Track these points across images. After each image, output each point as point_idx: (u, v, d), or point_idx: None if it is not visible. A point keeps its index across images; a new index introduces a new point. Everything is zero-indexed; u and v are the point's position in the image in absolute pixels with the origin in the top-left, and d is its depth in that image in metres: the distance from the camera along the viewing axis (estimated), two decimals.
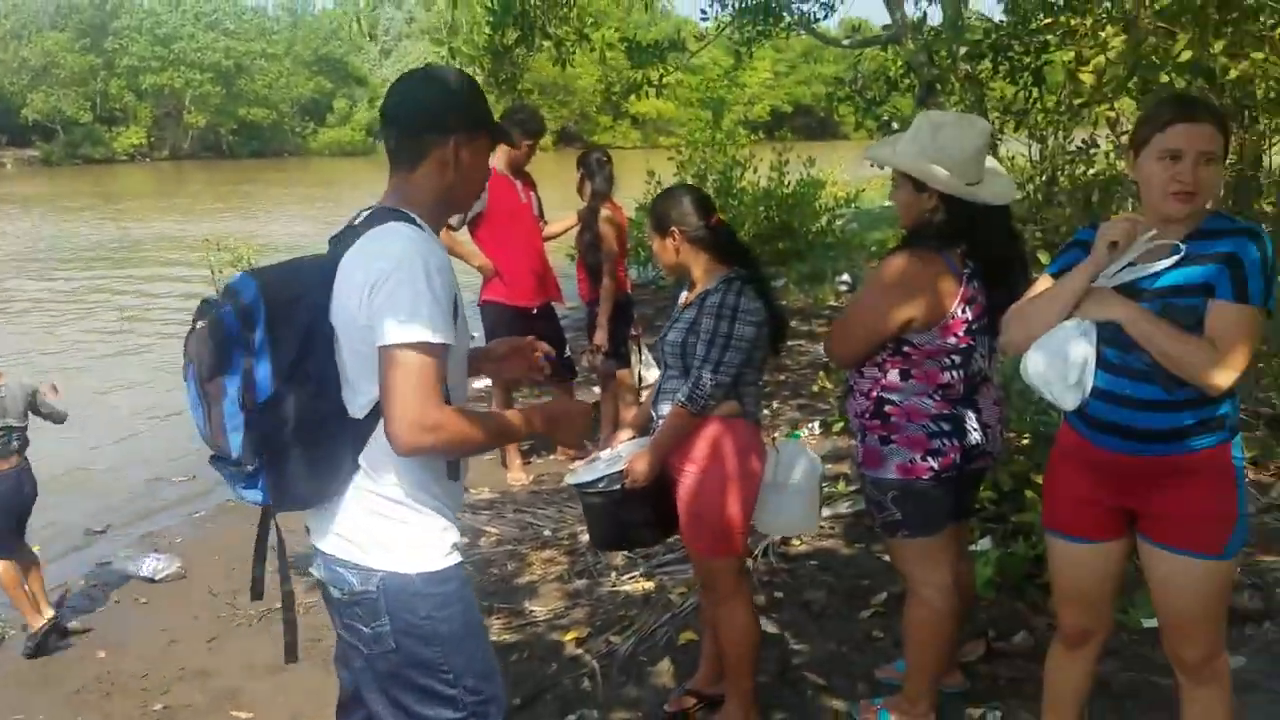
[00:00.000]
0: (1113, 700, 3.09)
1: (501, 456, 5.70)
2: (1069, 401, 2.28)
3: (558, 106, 44.50)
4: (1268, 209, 5.46)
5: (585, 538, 4.62)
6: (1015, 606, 3.68)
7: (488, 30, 7.49)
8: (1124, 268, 2.21)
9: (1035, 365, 2.29)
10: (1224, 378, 2.09)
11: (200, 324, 1.93)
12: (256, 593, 2.14)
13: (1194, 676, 2.36)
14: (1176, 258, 2.16)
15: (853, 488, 4.95)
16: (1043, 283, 2.37)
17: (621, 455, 3.00)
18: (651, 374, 5.74)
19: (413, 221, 1.93)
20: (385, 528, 1.96)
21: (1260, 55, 4.16)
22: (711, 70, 16.21)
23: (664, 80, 7.47)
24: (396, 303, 1.82)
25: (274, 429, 1.86)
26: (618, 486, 2.91)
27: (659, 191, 3.38)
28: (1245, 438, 4.91)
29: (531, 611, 4.02)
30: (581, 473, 3.08)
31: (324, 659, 3.57)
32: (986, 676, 3.28)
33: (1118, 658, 3.29)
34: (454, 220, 5.35)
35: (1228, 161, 6.99)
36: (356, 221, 1.98)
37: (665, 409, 2.89)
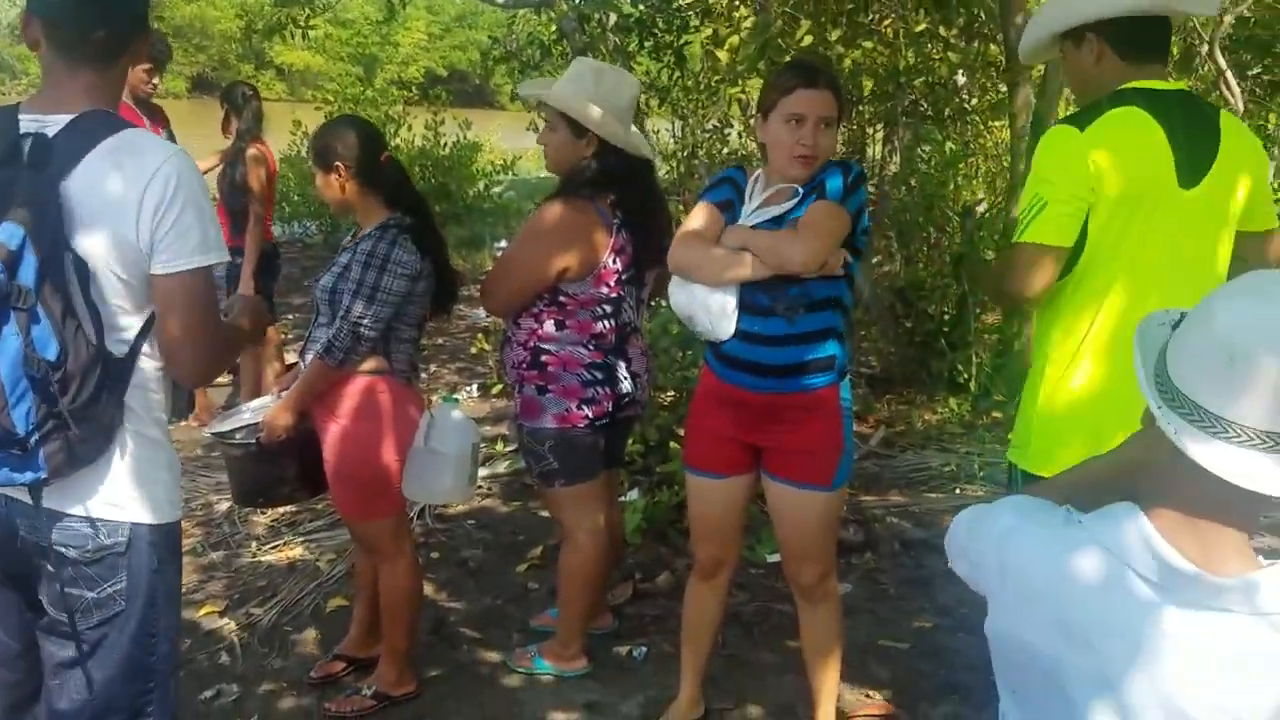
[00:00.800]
0: (743, 628, 3.38)
1: None
2: (724, 328, 2.39)
3: (194, 51, 40.72)
4: (870, 191, 6.16)
5: (221, 507, 4.31)
6: (659, 550, 3.91)
7: None
8: (755, 209, 2.41)
9: (686, 298, 2.43)
10: (800, 247, 2.29)
11: None
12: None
13: (809, 597, 2.63)
14: (795, 200, 2.39)
15: (511, 448, 5.00)
16: (700, 210, 2.50)
17: (263, 406, 2.83)
18: None
19: (134, 126, 1.74)
20: (146, 472, 1.79)
21: (869, 45, 4.67)
22: (362, 25, 15.52)
23: (310, 23, 7.06)
24: (185, 225, 1.68)
25: (63, 388, 1.61)
26: (255, 440, 2.74)
27: (324, 122, 3.13)
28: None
29: None
30: (222, 422, 2.88)
31: None
32: (633, 617, 3.46)
33: (746, 590, 3.60)
34: None
35: (840, 149, 7.77)
36: (45, 131, 1.65)
37: (309, 358, 2.75)
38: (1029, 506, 1.28)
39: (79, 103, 1.70)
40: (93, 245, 1.66)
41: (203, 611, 3.51)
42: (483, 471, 4.64)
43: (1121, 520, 1.15)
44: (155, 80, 4.86)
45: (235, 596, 3.62)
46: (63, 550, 1.73)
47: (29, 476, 1.64)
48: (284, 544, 4.02)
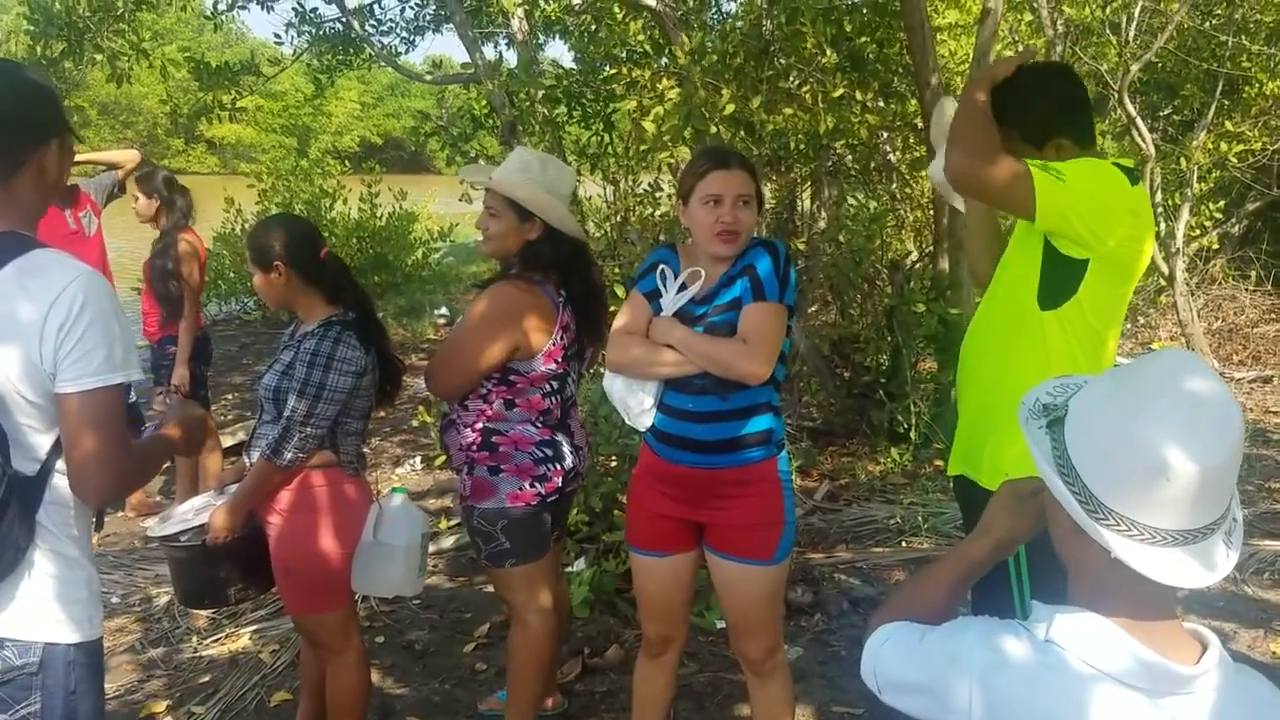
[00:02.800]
0: (695, 700, 3.36)
1: None
2: (643, 422, 2.49)
3: (121, 128, 40.42)
4: (800, 246, 6.28)
5: (160, 601, 4.20)
6: (608, 622, 3.88)
7: (29, 40, 6.64)
8: (676, 294, 2.48)
9: (616, 389, 2.52)
10: (755, 363, 2.37)
11: None
12: None
13: (758, 671, 2.63)
14: (700, 282, 2.46)
15: (454, 522, 4.96)
16: (634, 300, 2.56)
17: (208, 506, 2.77)
18: None
19: (40, 245, 1.72)
20: (60, 591, 1.73)
21: (789, 111, 4.79)
22: (293, 97, 15.55)
23: (237, 104, 7.06)
24: (90, 344, 1.66)
25: None
26: (200, 541, 2.69)
27: (259, 220, 3.13)
28: (793, 449, 5.59)
29: None
30: (165, 524, 2.81)
31: None
32: (583, 694, 3.42)
33: (696, 660, 3.59)
34: None
35: (770, 206, 7.92)
36: None
37: (255, 456, 2.72)
38: (991, 631, 1.23)
39: None
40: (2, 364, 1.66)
41: (144, 713, 3.40)
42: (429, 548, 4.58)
43: (1100, 634, 1.17)
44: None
45: (177, 695, 3.52)
46: None
47: None
48: (226, 636, 3.93)
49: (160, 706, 3.45)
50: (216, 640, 3.90)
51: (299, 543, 2.70)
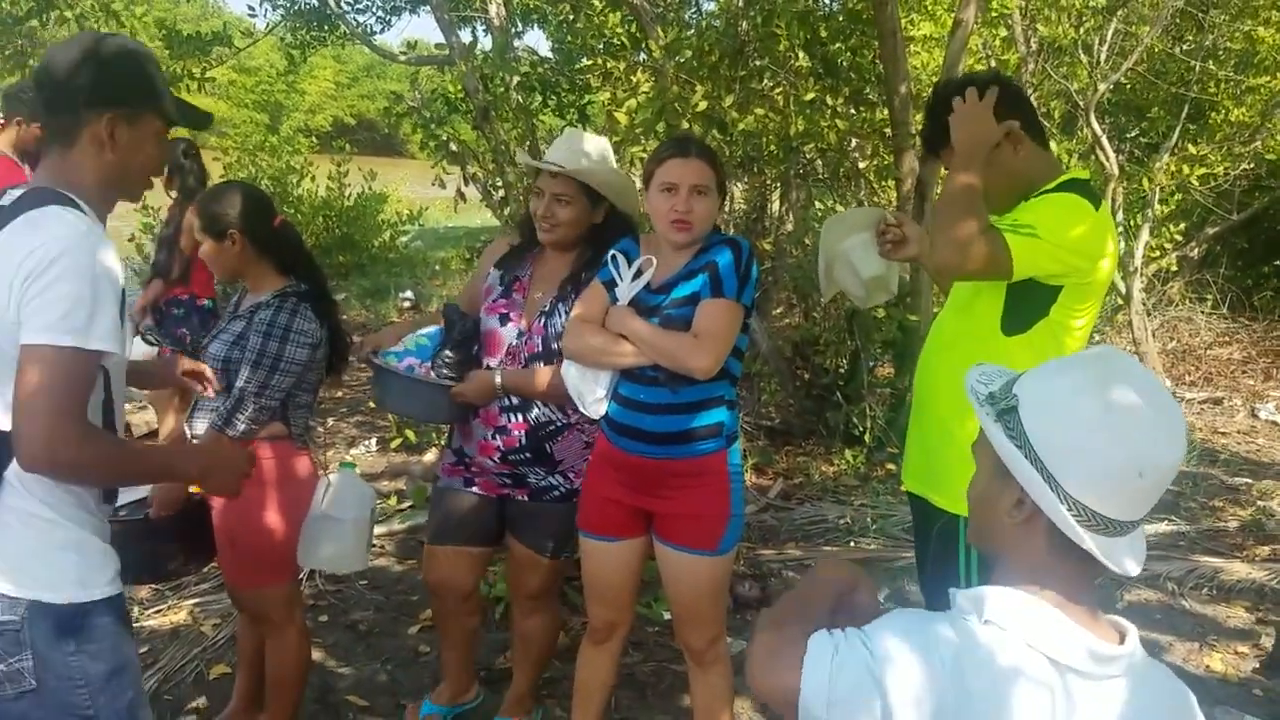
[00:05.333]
0: (636, 689, 3.38)
1: None
2: (596, 410, 2.50)
3: None
4: (767, 247, 6.31)
5: None
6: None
7: None
8: (631, 282, 2.49)
9: (570, 376, 2.52)
10: (702, 359, 2.37)
11: None
12: None
13: (700, 660, 2.65)
14: (653, 269, 2.47)
15: (406, 504, 4.94)
16: (593, 289, 2.57)
17: None
18: None
19: (77, 206, 1.69)
20: (38, 550, 1.71)
21: (762, 111, 4.81)
22: (267, 73, 15.39)
23: (207, 75, 6.96)
24: (51, 297, 1.59)
25: None
26: (143, 515, 2.64)
27: (211, 188, 3.07)
28: (749, 447, 5.62)
29: None
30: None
31: None
32: None
33: (641, 649, 3.61)
34: None
35: (740, 207, 7.93)
36: (3, 202, 1.69)
37: (201, 427, 2.68)
38: (917, 624, 1.21)
39: (39, 179, 1.75)
40: None
41: None
42: (378, 530, 4.56)
43: (1040, 615, 1.18)
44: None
45: None
46: None
47: None
48: (168, 608, 3.89)
49: None
50: (158, 611, 3.86)
51: (245, 515, 2.67)
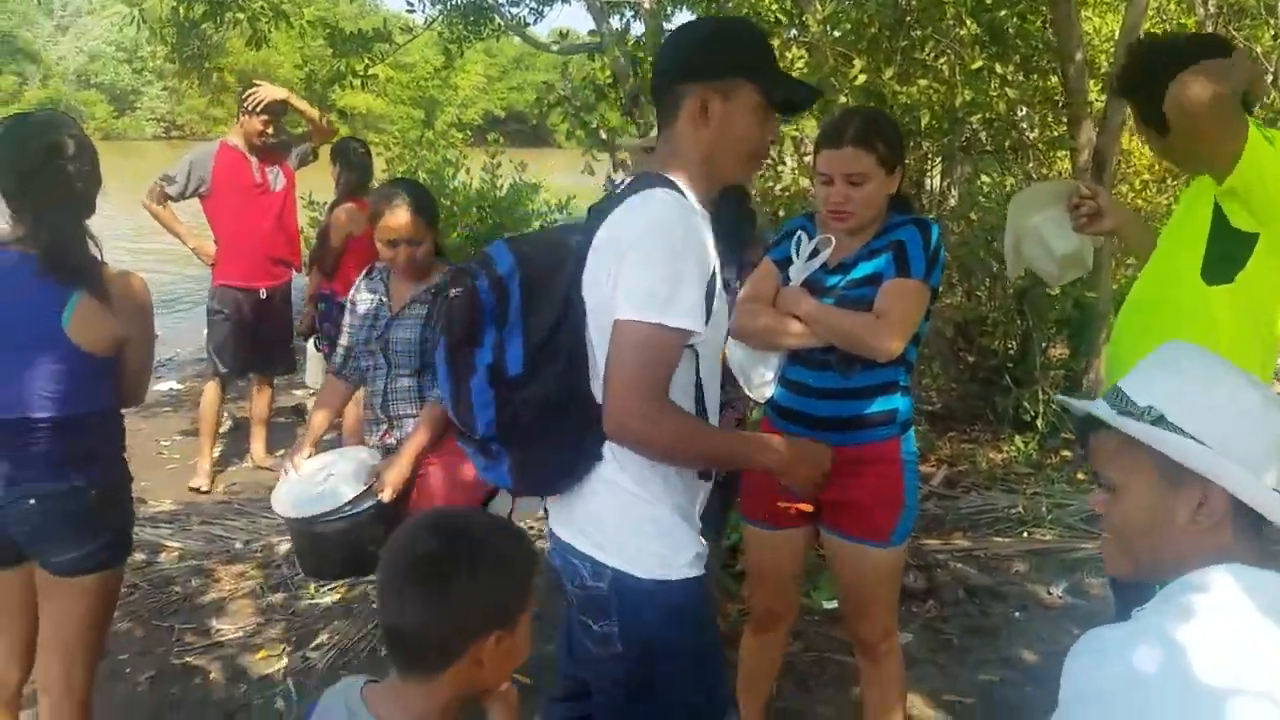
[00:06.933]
0: (797, 679, 3.29)
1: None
2: (762, 393, 2.42)
3: None
4: None
5: (282, 549, 4.33)
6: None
7: (172, 2, 6.90)
8: (807, 261, 2.40)
9: (736, 357, 2.45)
10: (887, 340, 2.25)
11: (455, 292, 1.76)
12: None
13: (870, 654, 2.55)
14: (830, 249, 2.37)
15: None
16: (764, 268, 2.50)
17: (346, 469, 2.83)
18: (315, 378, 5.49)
19: (675, 188, 1.72)
20: (624, 524, 1.74)
21: (924, 82, 4.61)
22: (423, 69, 15.85)
23: (369, 72, 7.20)
24: (637, 275, 1.62)
25: (522, 409, 1.71)
26: (371, 505, 2.73)
27: (401, 180, 3.19)
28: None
29: (220, 631, 3.71)
30: (308, 499, 2.79)
31: None
32: None
33: (801, 638, 3.51)
34: (172, 190, 5.07)
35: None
36: (618, 189, 1.78)
37: (405, 410, 2.80)
38: (1139, 634, 1.18)
39: (652, 161, 1.81)
40: (591, 288, 1.72)
41: (260, 655, 3.52)
42: (533, 516, 4.62)
43: (1257, 580, 1.18)
44: (269, 130, 5.13)
45: (293, 639, 3.63)
46: (562, 578, 1.82)
47: (501, 480, 1.80)
48: (341, 585, 4.03)
49: (278, 650, 3.56)
50: (332, 589, 4.01)
51: (456, 484, 2.79)
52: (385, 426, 2.88)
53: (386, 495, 2.73)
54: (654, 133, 2.72)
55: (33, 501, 2.21)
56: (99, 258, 2.30)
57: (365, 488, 2.75)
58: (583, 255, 1.74)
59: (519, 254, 1.76)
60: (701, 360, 1.75)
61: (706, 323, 1.68)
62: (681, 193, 1.72)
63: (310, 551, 2.87)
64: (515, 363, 1.71)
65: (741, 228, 3.03)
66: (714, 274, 1.70)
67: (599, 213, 1.76)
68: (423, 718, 1.42)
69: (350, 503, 2.73)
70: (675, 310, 1.61)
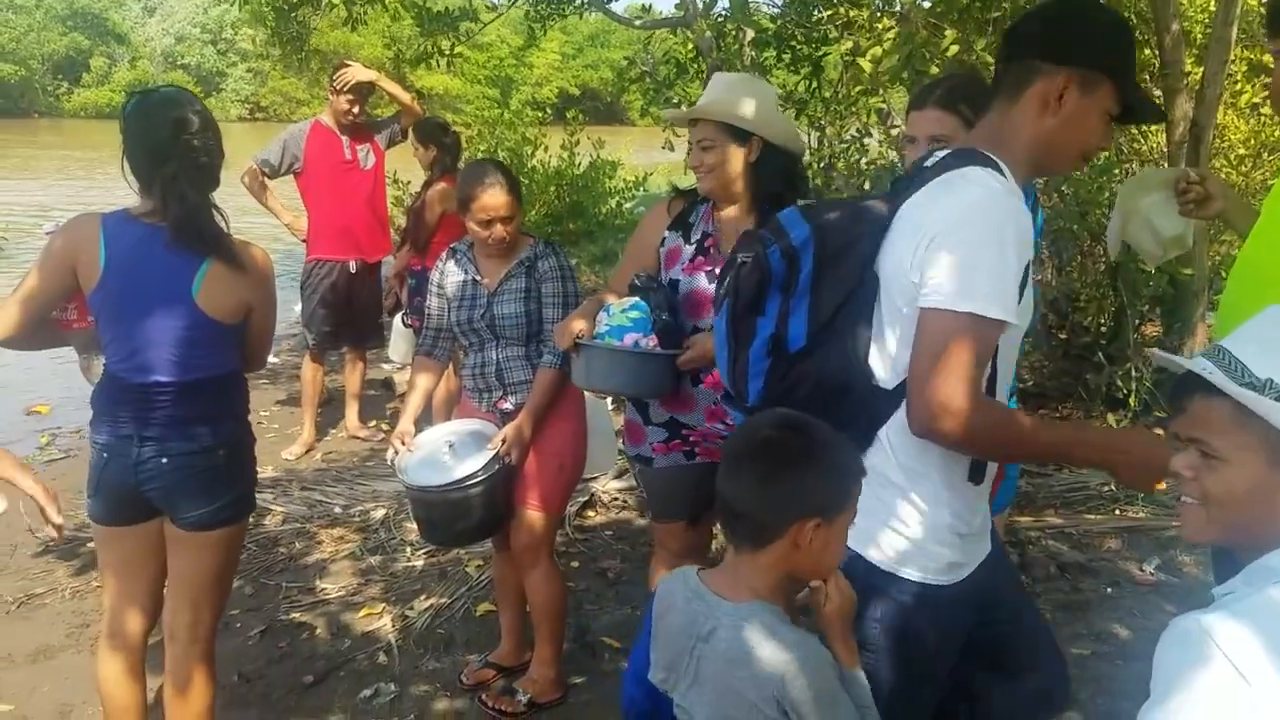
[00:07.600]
0: None
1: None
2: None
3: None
4: None
5: (377, 514, 4.48)
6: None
7: None
8: None
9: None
10: None
11: (744, 258, 1.70)
12: None
13: None
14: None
15: None
16: None
17: (468, 437, 2.94)
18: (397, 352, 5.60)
19: (997, 169, 1.61)
20: (880, 514, 1.66)
21: None
22: (499, 49, 15.92)
23: (455, 51, 7.30)
24: (954, 262, 1.52)
25: (797, 382, 1.67)
26: (499, 465, 2.86)
27: (488, 161, 3.25)
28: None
29: (323, 589, 3.86)
30: (440, 468, 2.87)
31: (90, 645, 3.31)
32: None
33: None
34: (268, 169, 5.26)
35: None
36: (928, 163, 1.69)
37: (520, 376, 2.94)
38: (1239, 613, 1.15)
39: (974, 137, 1.73)
40: (887, 266, 1.64)
41: (363, 613, 3.66)
42: (617, 484, 4.70)
43: None
44: (355, 109, 5.26)
45: (392, 599, 3.77)
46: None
47: None
48: (436, 549, 4.15)
49: (378, 609, 3.70)
50: (427, 552, 4.13)
51: (573, 442, 3.00)
52: (500, 393, 2.97)
53: (515, 456, 2.85)
54: (703, 101, 2.71)
55: (165, 460, 2.33)
56: (225, 229, 2.40)
57: (493, 452, 2.85)
58: (883, 229, 1.65)
59: (816, 224, 1.67)
60: (1001, 352, 1.63)
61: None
62: (1003, 173, 1.61)
63: (450, 518, 2.90)
64: (799, 336, 1.65)
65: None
66: (1028, 267, 1.58)
67: (906, 185, 1.67)
68: (752, 589, 1.54)
69: (483, 467, 2.83)
70: (996, 301, 1.51)
